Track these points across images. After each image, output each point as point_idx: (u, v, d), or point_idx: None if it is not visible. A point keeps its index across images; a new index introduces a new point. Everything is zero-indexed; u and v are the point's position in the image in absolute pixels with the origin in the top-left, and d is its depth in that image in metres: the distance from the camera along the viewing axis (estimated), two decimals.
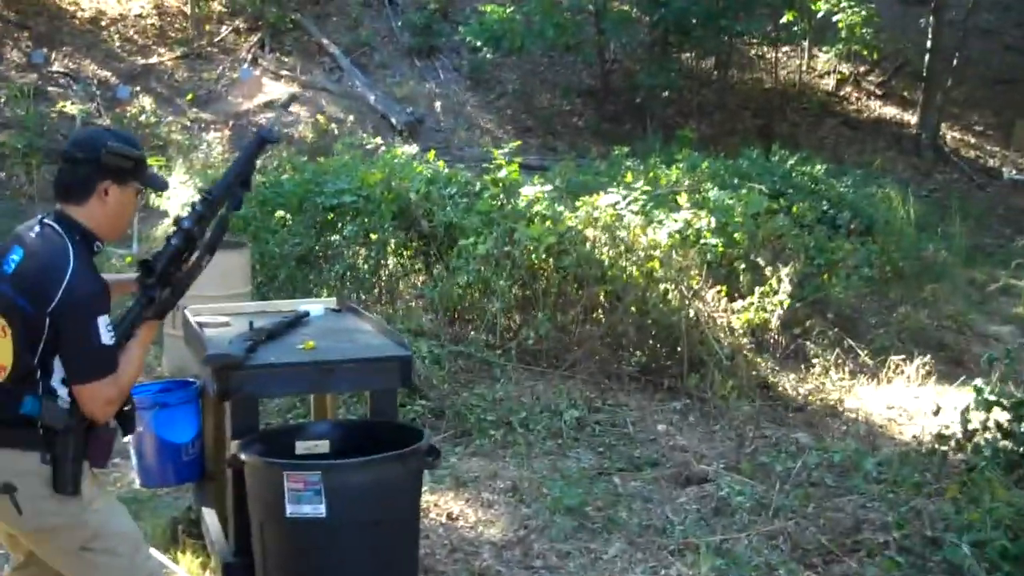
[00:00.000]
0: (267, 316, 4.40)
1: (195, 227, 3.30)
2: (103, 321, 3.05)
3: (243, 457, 3.43)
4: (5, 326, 3.00)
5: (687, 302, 7.75)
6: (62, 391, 3.06)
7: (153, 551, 3.42)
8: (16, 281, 3.02)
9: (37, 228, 3.11)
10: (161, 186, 3.50)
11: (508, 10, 16.19)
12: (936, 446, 5.34)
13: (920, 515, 4.61)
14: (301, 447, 3.67)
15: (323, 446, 3.70)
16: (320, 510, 3.26)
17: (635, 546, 4.71)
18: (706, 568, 4.37)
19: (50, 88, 15.88)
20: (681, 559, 4.56)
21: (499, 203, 8.25)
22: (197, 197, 3.43)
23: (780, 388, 7.52)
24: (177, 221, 3.33)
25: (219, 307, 4.76)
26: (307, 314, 4.41)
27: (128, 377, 3.16)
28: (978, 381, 7.40)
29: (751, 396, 7.11)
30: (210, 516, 4.29)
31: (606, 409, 6.64)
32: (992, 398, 4.87)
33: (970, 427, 4.97)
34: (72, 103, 15.35)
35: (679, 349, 7.53)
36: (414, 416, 6.28)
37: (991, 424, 4.92)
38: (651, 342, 7.71)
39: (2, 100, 15.31)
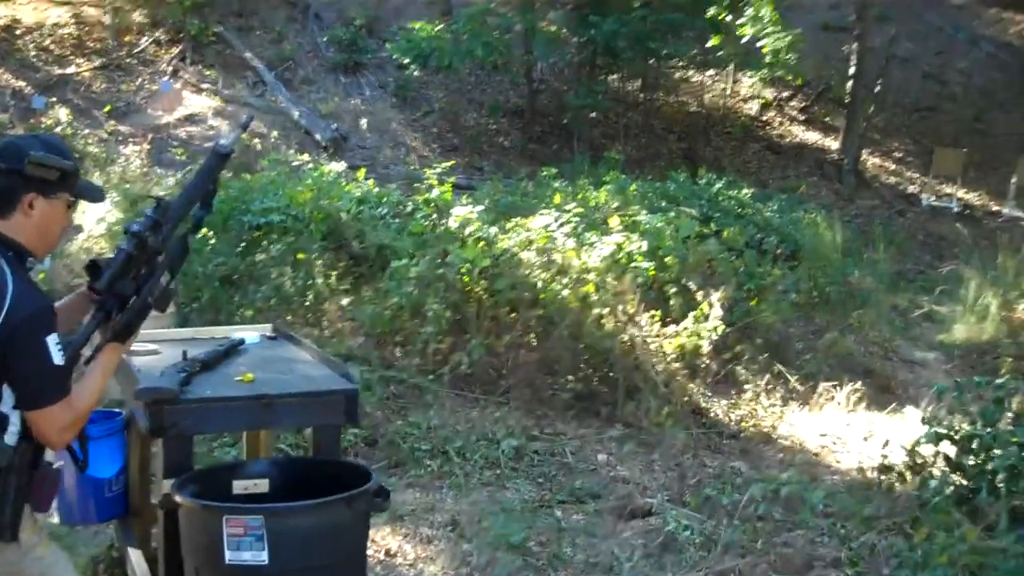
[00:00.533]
0: (199, 344, 4.16)
1: (147, 233, 3.07)
2: (52, 340, 2.82)
3: (178, 499, 3.20)
4: None
5: (622, 327, 7.66)
6: (13, 418, 2.82)
7: None
8: None
9: None
10: (96, 197, 3.19)
11: (436, 27, 16.04)
12: (881, 477, 5.28)
13: (873, 551, 4.52)
14: (239, 486, 3.45)
15: (262, 485, 3.48)
16: (262, 557, 3.04)
17: None
18: None
19: None
20: None
21: (431, 224, 8.09)
22: (149, 205, 3.20)
23: (713, 414, 7.46)
24: (127, 228, 3.12)
25: (147, 332, 4.50)
26: (242, 342, 4.18)
27: (85, 403, 2.94)
28: (912, 410, 7.46)
29: (686, 423, 7.03)
30: (136, 556, 4.03)
31: (543, 438, 6.49)
32: (942, 431, 4.81)
33: (918, 460, 4.91)
34: None
35: (612, 375, 7.44)
36: (346, 445, 6.07)
37: (939, 458, 4.86)
38: (585, 368, 7.60)
39: None
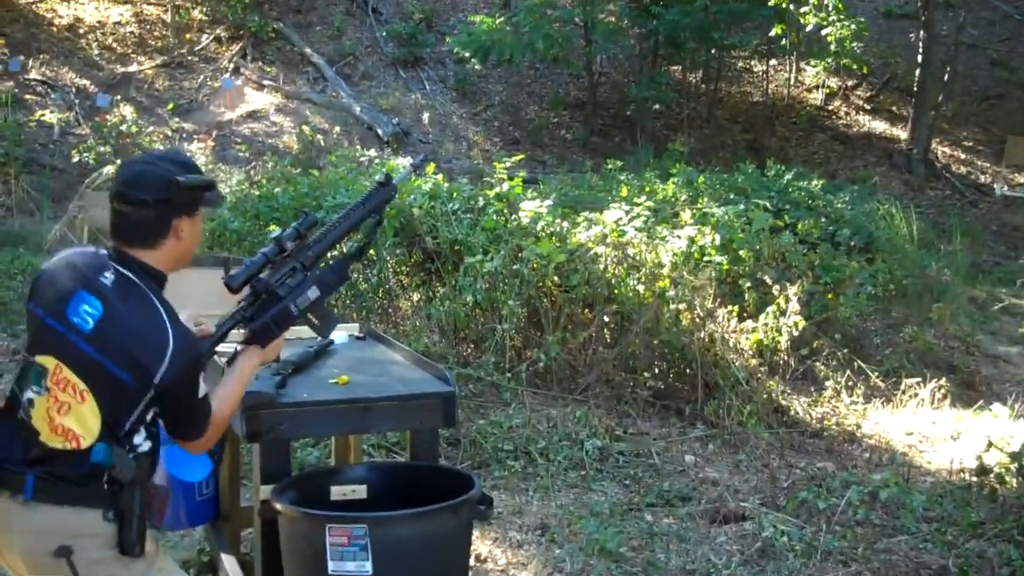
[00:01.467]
0: (287, 345, 4.05)
1: (289, 240, 3.12)
2: (201, 376, 2.86)
3: (278, 506, 3.10)
4: (85, 391, 2.69)
5: (699, 323, 7.50)
6: (140, 440, 2.80)
7: None
8: (101, 344, 2.70)
9: (110, 276, 2.77)
10: (220, 202, 3.13)
11: (496, 21, 15.93)
12: (978, 479, 5.08)
13: (983, 559, 4.33)
14: (337, 492, 3.34)
15: (360, 492, 3.37)
16: (366, 567, 2.93)
17: None
18: None
19: (27, 96, 15.50)
20: None
21: (504, 219, 7.96)
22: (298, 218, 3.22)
23: (794, 412, 7.27)
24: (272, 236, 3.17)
25: (232, 334, 4.43)
26: (331, 342, 4.08)
27: (226, 412, 2.99)
28: (1000, 408, 7.23)
29: (768, 422, 6.86)
30: (228, 561, 3.95)
31: (627, 438, 6.34)
32: None
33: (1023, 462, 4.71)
34: (51, 111, 14.97)
35: (690, 372, 7.28)
36: None
37: None
38: (662, 365, 7.45)
39: None
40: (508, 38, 15.66)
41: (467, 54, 16.00)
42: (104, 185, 13.06)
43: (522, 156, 10.03)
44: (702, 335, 7.43)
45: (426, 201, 8.04)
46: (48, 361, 2.72)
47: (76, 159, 13.92)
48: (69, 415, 2.69)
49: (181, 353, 2.76)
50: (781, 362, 7.78)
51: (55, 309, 2.76)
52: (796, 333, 7.66)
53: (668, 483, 5.67)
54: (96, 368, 2.69)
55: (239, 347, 3.16)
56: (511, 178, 8.77)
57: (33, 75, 16.00)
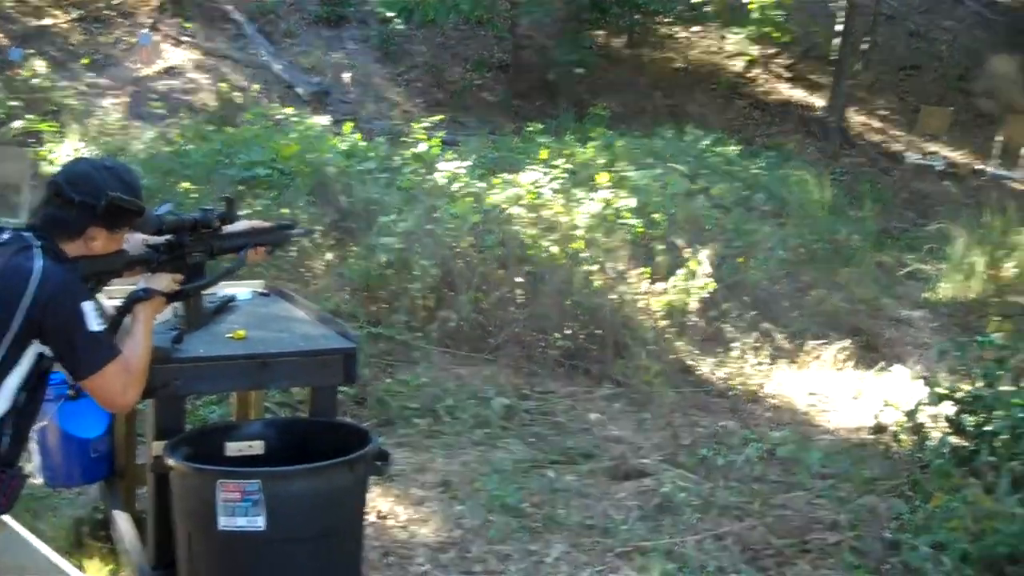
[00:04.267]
0: None
1: (216, 220, 3.32)
2: (88, 307, 2.83)
3: (170, 462, 3.10)
4: None
5: (611, 284, 7.58)
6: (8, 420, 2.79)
7: (55, 556, 3.07)
8: None
9: (6, 235, 2.85)
10: (154, 225, 3.19)
11: None
12: (876, 438, 5.23)
13: (873, 513, 4.47)
14: (232, 449, 3.35)
15: (257, 447, 3.38)
16: (258, 523, 2.95)
17: (578, 547, 4.48)
18: (656, 573, 4.16)
19: None
20: (628, 562, 4.35)
21: (420, 179, 7.96)
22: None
23: (701, 373, 7.40)
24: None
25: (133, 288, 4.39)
26: (233, 298, 4.05)
27: (138, 361, 2.96)
28: (900, 369, 7.42)
29: (675, 382, 6.97)
30: (122, 520, 3.94)
31: (534, 396, 6.41)
32: (942, 391, 4.75)
33: (917, 420, 4.85)
34: None
35: (601, 332, 7.36)
36: None
37: (941, 419, 4.80)
38: (575, 325, 7.52)
39: None
40: None
41: (391, 14, 15.85)
42: (14, 140, 12.80)
43: (442, 117, 10.00)
44: (614, 296, 7.52)
45: (341, 160, 8.01)
46: None
47: None
48: None
49: (53, 279, 2.76)
50: (690, 324, 7.90)
51: None
52: (707, 295, 7.78)
53: (572, 441, 5.76)
54: None
55: (136, 291, 3.15)
56: (429, 139, 8.77)
57: None
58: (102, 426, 4.09)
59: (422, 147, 8.31)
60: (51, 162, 11.37)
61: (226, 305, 3.96)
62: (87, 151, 11.17)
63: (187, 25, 16.56)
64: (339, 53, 16.66)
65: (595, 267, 7.58)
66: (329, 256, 7.99)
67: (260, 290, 4.33)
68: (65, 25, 16.20)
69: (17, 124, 13.05)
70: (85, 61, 15.37)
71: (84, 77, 14.98)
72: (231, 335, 3.52)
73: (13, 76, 14.42)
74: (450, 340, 7.17)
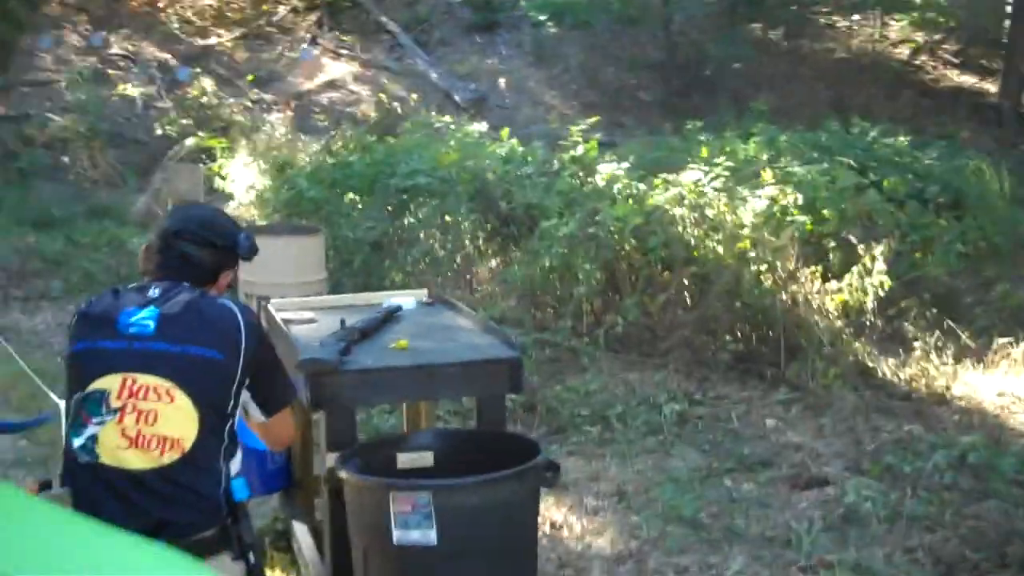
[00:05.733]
0: (355, 311, 4.02)
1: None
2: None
3: (342, 474, 3.06)
4: (172, 387, 2.57)
5: (781, 284, 7.32)
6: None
7: None
8: (174, 335, 2.63)
9: (155, 290, 2.74)
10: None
11: None
12: None
13: None
14: (403, 460, 3.30)
15: (427, 458, 3.32)
16: (431, 536, 2.88)
17: (759, 560, 4.29)
18: None
19: (110, 71, 15.70)
20: None
21: (580, 182, 7.85)
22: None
23: (881, 374, 7.06)
24: None
25: (303, 301, 4.42)
26: (399, 308, 4.03)
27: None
28: None
29: (854, 384, 6.67)
30: (300, 529, 3.95)
31: (707, 402, 6.21)
32: None
33: None
34: (133, 85, 15.15)
35: (772, 334, 7.11)
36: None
37: None
38: (745, 327, 7.29)
39: (63, 84, 15.13)
40: (582, 0, 15.47)
41: (542, 17, 15.83)
42: (187, 157, 13.26)
43: (597, 118, 9.86)
44: (784, 297, 7.26)
45: (500, 165, 7.97)
46: (108, 381, 2.58)
47: (159, 132, 14.10)
48: (158, 422, 2.55)
49: (249, 316, 2.78)
50: (867, 323, 7.57)
51: (103, 333, 2.65)
52: (883, 293, 7.45)
53: (748, 448, 5.54)
54: (179, 360, 2.61)
55: None
56: (586, 141, 8.66)
57: (115, 50, 16.19)
58: None
59: (580, 150, 8.19)
60: (223, 177, 11.73)
61: (392, 315, 3.94)
62: (256, 165, 11.47)
63: (345, 38, 16.88)
64: (493, 59, 16.72)
65: (764, 266, 7.34)
66: (493, 262, 7.97)
67: (425, 299, 4.28)
68: (229, 43, 16.72)
69: (189, 142, 13.52)
70: (250, 78, 15.83)
71: (249, 93, 15.42)
72: (394, 345, 3.47)
73: (183, 95, 14.95)
74: (618, 345, 7.04)
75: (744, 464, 5.34)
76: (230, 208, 10.87)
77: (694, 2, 16.81)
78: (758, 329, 7.22)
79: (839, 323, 7.27)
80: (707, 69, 16.37)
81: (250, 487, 4.07)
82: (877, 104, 16.79)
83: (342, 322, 3.61)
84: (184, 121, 14.17)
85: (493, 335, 3.63)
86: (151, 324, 2.64)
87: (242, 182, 11.26)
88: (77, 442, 2.56)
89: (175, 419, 2.56)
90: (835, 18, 18.35)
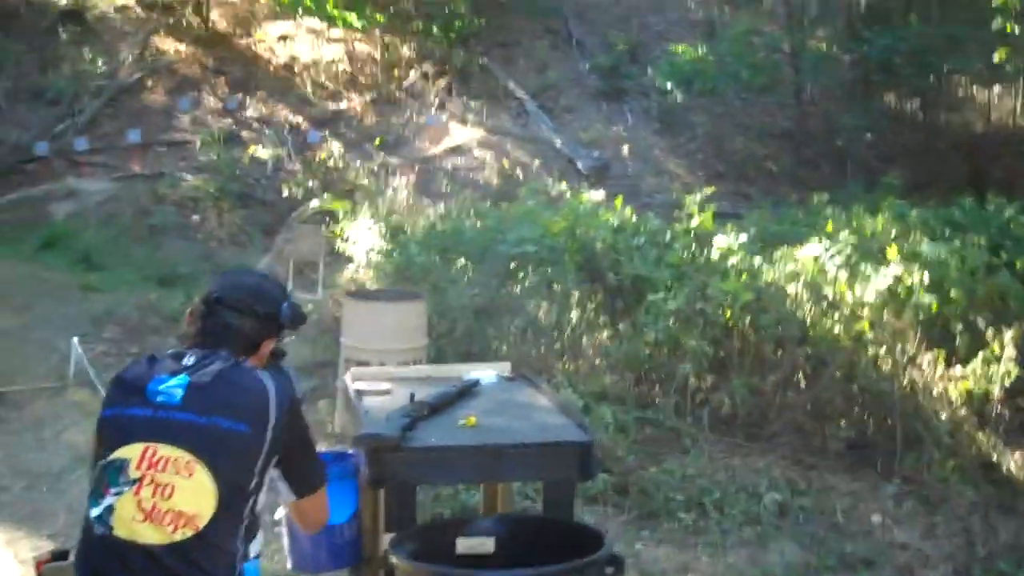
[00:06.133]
0: (433, 383, 3.90)
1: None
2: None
3: (393, 559, 2.93)
4: (192, 461, 2.48)
5: (901, 368, 6.96)
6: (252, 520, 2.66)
7: None
8: (202, 406, 2.54)
9: (190, 359, 2.65)
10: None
11: (700, 51, 15.61)
12: None
13: None
14: (463, 545, 3.15)
15: (488, 545, 3.16)
16: None
17: None
18: None
19: (243, 133, 16.12)
20: None
21: (691, 255, 7.64)
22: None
23: (1006, 470, 6.62)
24: None
25: (382, 371, 4.32)
26: (477, 383, 3.90)
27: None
28: None
29: (974, 479, 6.26)
30: None
31: (811, 492, 5.89)
32: None
33: None
34: (264, 147, 15.52)
35: (889, 422, 6.75)
36: (595, 492, 5.71)
37: None
38: (859, 413, 6.94)
39: (198, 145, 15.59)
40: (711, 68, 15.31)
41: (669, 85, 15.73)
42: (311, 219, 13.48)
43: (712, 189, 9.64)
44: (904, 381, 6.91)
45: (610, 235, 7.82)
46: (129, 451, 2.50)
47: (285, 193, 14.38)
48: (175, 496, 2.46)
49: (282, 390, 2.66)
50: (993, 413, 7.15)
51: (132, 400, 2.57)
52: (1009, 381, 7.02)
53: (852, 545, 5.21)
54: (204, 431, 2.52)
55: None
56: (702, 211, 8.45)
57: (250, 112, 16.64)
58: (350, 510, 3.99)
59: (695, 221, 8.00)
60: (344, 239, 11.84)
61: (468, 389, 3.81)
62: (376, 228, 11.55)
63: (473, 104, 17.01)
64: (619, 126, 16.64)
65: (883, 349, 7.00)
66: (598, 335, 7.79)
67: (506, 374, 4.13)
68: (359, 108, 17.01)
69: (314, 203, 13.75)
70: (377, 141, 16.05)
71: (375, 157, 15.63)
72: (463, 422, 3.34)
73: (311, 158, 15.25)
74: (723, 426, 6.79)
75: (845, 562, 5.02)
76: (348, 271, 10.96)
77: (826, 71, 16.49)
78: (873, 416, 6.88)
79: (962, 412, 6.87)
80: (838, 140, 16.00)
81: (319, 561, 3.99)
82: (1018, 179, 16.14)
83: (411, 396, 3.50)
84: (311, 183, 14.42)
85: (568, 416, 3.47)
86: (179, 393, 2.55)
87: (363, 245, 11.35)
88: (94, 512, 2.49)
89: (192, 494, 2.47)
90: (974, 89, 17.78)
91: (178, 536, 2.44)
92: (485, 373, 4.08)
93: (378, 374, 4.21)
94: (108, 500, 2.47)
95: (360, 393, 3.78)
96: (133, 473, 2.47)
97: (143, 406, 2.55)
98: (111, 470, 2.49)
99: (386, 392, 3.84)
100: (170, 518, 2.44)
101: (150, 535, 2.44)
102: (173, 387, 2.56)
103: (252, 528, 2.64)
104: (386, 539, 3.12)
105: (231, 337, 2.73)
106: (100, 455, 2.55)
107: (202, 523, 2.46)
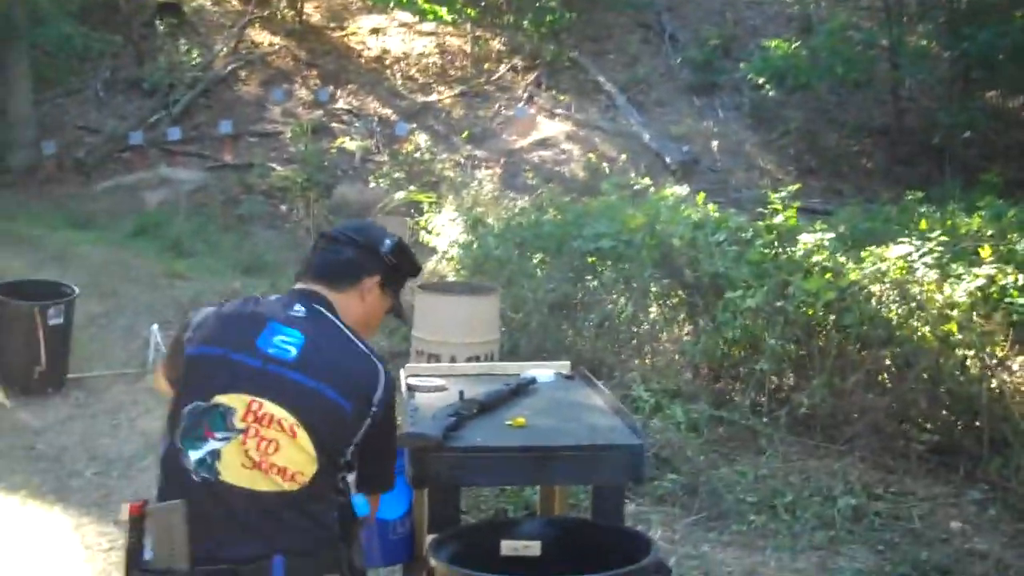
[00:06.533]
0: (489, 381, 3.83)
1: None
2: None
3: (432, 561, 2.87)
4: (296, 425, 2.46)
5: (990, 372, 6.71)
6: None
7: None
8: (314, 371, 2.50)
9: (300, 308, 2.61)
10: (402, 317, 3.05)
11: (793, 45, 15.30)
12: None
13: None
14: (507, 547, 3.07)
15: (534, 548, 3.08)
16: None
17: None
18: None
19: (333, 124, 16.26)
20: None
21: (773, 252, 7.45)
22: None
23: None
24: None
25: (438, 367, 4.27)
26: (533, 381, 3.82)
27: None
28: None
29: None
30: None
31: (888, 497, 5.70)
32: None
33: None
34: (352, 139, 15.62)
35: (978, 425, 6.51)
36: (662, 492, 5.60)
37: None
38: (945, 416, 6.71)
39: (287, 136, 15.77)
40: (804, 63, 15.01)
41: (762, 79, 15.45)
42: (396, 210, 13.52)
43: (799, 186, 9.42)
44: (992, 385, 6.66)
45: (688, 231, 7.66)
46: (234, 399, 2.47)
47: (372, 185, 14.46)
48: (279, 453, 2.45)
49: (390, 384, 2.63)
50: None
51: (240, 342, 2.52)
52: None
53: (927, 552, 5.02)
54: (311, 397, 2.49)
55: None
56: (786, 208, 8.24)
57: (340, 104, 16.78)
58: (402, 507, 3.95)
59: (779, 218, 7.79)
60: (428, 231, 11.86)
61: (525, 387, 3.74)
62: (460, 220, 11.53)
63: (562, 97, 16.93)
64: (710, 121, 16.41)
65: (971, 351, 6.75)
66: (673, 332, 7.66)
67: (565, 372, 4.04)
68: (448, 100, 17.04)
69: (399, 195, 13.80)
70: (465, 135, 16.06)
71: (463, 150, 15.63)
72: (511, 422, 3.26)
73: (398, 150, 15.31)
74: (800, 427, 6.61)
75: (920, 570, 4.83)
76: (430, 264, 10.96)
77: (925, 67, 16.05)
78: (960, 419, 6.64)
79: None
80: (935, 137, 15.55)
81: (372, 556, 3.96)
82: None
83: (460, 394, 3.43)
84: (397, 175, 14.48)
85: (620, 418, 3.37)
86: (293, 351, 2.52)
87: (446, 237, 11.34)
88: (194, 455, 2.45)
89: (295, 453, 2.46)
90: None
91: (286, 486, 2.44)
92: (543, 371, 4.00)
93: (434, 370, 4.15)
94: (212, 444, 2.44)
95: (412, 389, 3.73)
96: (239, 423, 2.45)
97: (252, 355, 2.50)
98: (214, 414, 2.46)
99: (439, 389, 3.78)
100: (277, 471, 2.44)
101: (261, 483, 2.43)
102: (288, 343, 2.52)
103: (344, 509, 2.64)
104: (427, 541, 3.05)
105: (326, 269, 2.71)
106: (193, 395, 2.51)
107: (306, 480, 2.46)
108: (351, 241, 2.74)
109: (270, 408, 2.47)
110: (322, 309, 2.65)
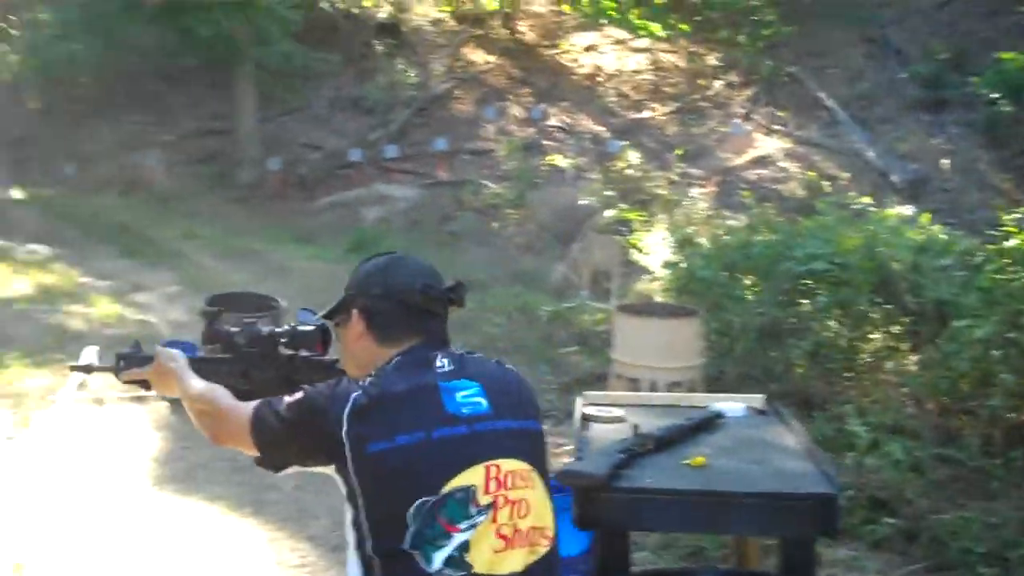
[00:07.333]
0: (672, 414, 3.51)
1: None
2: None
3: None
4: (528, 470, 2.24)
5: None
6: None
7: None
8: (512, 411, 2.29)
9: (446, 361, 2.30)
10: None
11: None
12: None
13: None
14: None
15: None
16: None
17: None
18: None
19: (544, 142, 16.18)
20: None
21: (1005, 278, 6.80)
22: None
23: None
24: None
25: (618, 396, 3.96)
26: (719, 415, 3.47)
27: None
28: None
29: None
30: None
31: None
32: None
33: None
34: (564, 156, 15.50)
35: None
36: (879, 538, 5.12)
37: None
38: None
39: (501, 153, 15.79)
40: None
41: (996, 95, 14.48)
42: (607, 228, 13.29)
43: None
44: None
45: (910, 255, 7.09)
46: (469, 476, 2.17)
47: (583, 202, 14.28)
48: (530, 512, 2.22)
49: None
50: None
51: (430, 418, 2.21)
52: None
53: None
54: (524, 436, 2.29)
55: None
56: (1021, 231, 7.55)
57: (552, 122, 16.69)
58: (582, 544, 3.68)
59: (1012, 241, 7.13)
60: (639, 250, 11.57)
61: (708, 423, 3.39)
62: (670, 240, 11.23)
63: (780, 114, 16.33)
64: (939, 138, 15.46)
65: None
66: (896, 362, 7.09)
67: (758, 406, 3.67)
68: (662, 117, 16.71)
69: (610, 213, 13.56)
70: (678, 152, 15.68)
71: (674, 167, 15.26)
72: (689, 462, 2.93)
73: (610, 167, 15.08)
74: None
75: None
76: (642, 283, 10.67)
77: None
78: None
79: None
80: None
81: None
82: None
83: (634, 428, 3.12)
84: (608, 192, 14.25)
85: (813, 462, 2.99)
86: (483, 401, 2.26)
87: (658, 256, 11.03)
88: (439, 557, 2.14)
89: (541, 504, 2.25)
90: None
91: (539, 552, 2.22)
92: (733, 405, 3.64)
93: (615, 399, 3.85)
94: (459, 537, 2.15)
95: (587, 419, 3.45)
96: (483, 499, 2.17)
97: (452, 424, 2.21)
98: (450, 504, 2.16)
99: (617, 420, 3.48)
100: (529, 537, 2.21)
101: (516, 562, 2.18)
102: (472, 396, 2.26)
103: None
104: None
105: (439, 327, 2.40)
106: (404, 492, 2.17)
107: (552, 533, 2.27)
108: (446, 298, 2.43)
109: (508, 465, 2.22)
110: (455, 350, 2.37)
